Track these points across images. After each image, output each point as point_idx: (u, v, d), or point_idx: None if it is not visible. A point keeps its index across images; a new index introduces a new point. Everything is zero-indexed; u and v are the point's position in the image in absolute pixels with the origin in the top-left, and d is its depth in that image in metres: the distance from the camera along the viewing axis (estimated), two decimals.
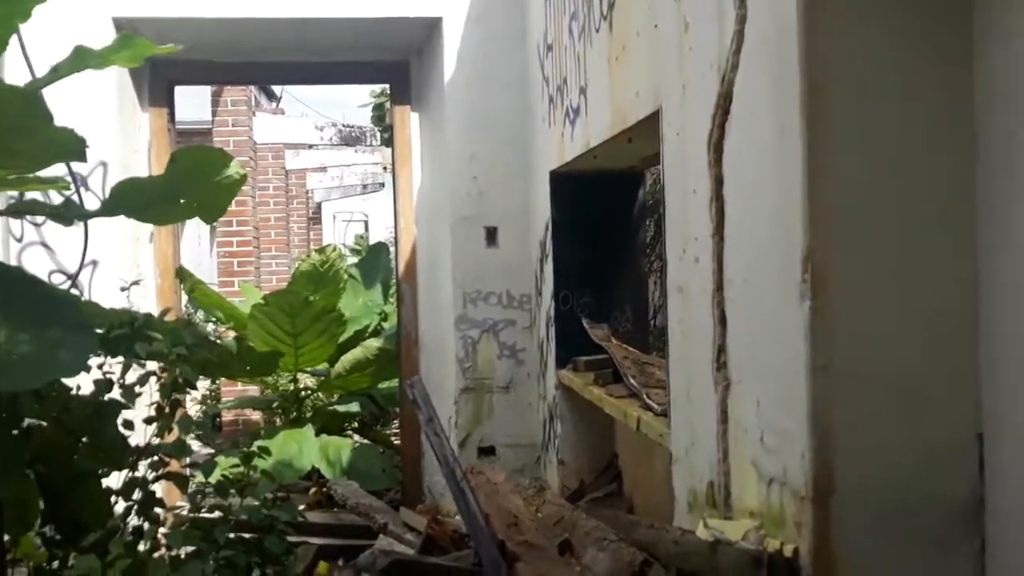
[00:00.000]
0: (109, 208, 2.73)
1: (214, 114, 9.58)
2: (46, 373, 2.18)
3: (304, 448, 5.74)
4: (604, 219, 4.48)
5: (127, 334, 2.72)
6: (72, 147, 2.34)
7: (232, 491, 3.43)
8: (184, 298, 6.10)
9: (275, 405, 6.93)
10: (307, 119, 12.62)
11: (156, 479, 2.96)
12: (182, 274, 5.24)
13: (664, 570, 2.40)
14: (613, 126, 3.30)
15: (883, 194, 1.83)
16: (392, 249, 6.38)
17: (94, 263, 4.64)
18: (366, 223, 17.25)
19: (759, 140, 2.03)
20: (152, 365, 3.15)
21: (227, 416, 7.93)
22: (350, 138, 11.74)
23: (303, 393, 6.71)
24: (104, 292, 4.39)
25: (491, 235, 4.95)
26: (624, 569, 2.63)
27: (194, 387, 3.20)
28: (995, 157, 1.79)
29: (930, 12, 1.83)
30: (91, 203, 4.49)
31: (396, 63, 5.51)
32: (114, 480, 2.84)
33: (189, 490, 3.24)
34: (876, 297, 1.83)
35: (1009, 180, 1.75)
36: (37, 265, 4.49)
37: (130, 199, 2.81)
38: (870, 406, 1.83)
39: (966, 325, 1.84)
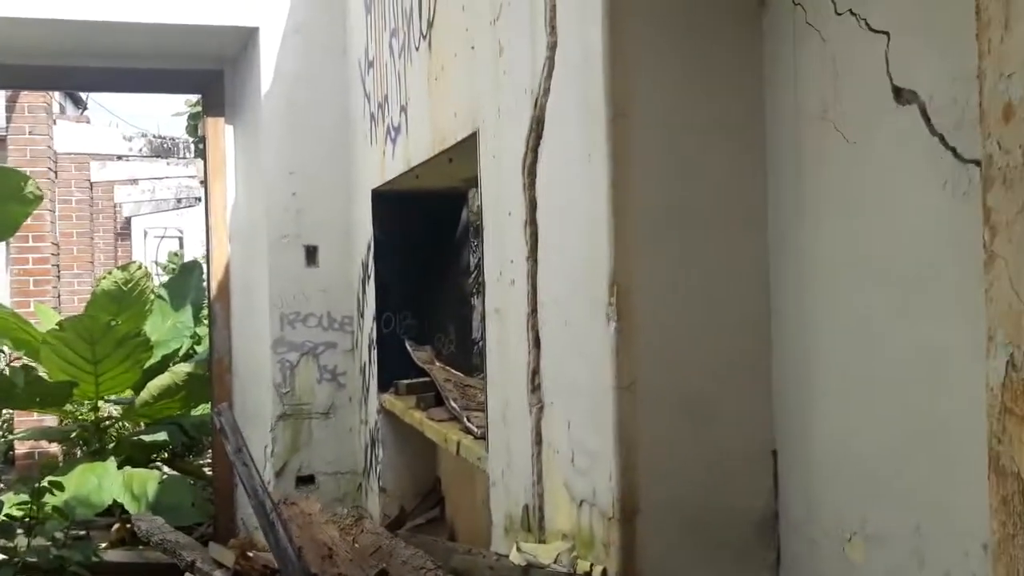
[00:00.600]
0: None
1: (8, 120, 8.82)
2: None
3: (104, 482, 5.32)
4: (427, 239, 4.44)
5: None
6: None
7: (19, 531, 3.14)
8: None
9: (74, 436, 6.40)
10: (115, 129, 11.85)
11: None
12: None
13: None
14: (433, 146, 3.28)
15: (684, 218, 1.90)
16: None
17: None
18: (181, 239, 16.37)
19: (569, 164, 2.06)
20: None
21: (21, 448, 7.25)
22: (162, 150, 11.09)
23: (105, 423, 6.23)
24: None
25: (311, 254, 4.79)
26: None
27: None
28: (783, 178, 1.89)
29: (723, 40, 1.92)
30: None
31: (209, 72, 5.25)
32: None
33: None
34: (678, 319, 1.89)
35: (797, 202, 1.85)
36: None
37: None
38: (672, 425, 1.88)
39: (761, 347, 1.93)
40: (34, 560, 3.09)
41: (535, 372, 2.30)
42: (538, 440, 2.29)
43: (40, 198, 2.69)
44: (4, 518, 3.18)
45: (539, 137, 2.24)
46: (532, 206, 2.30)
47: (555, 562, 2.05)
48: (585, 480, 2.00)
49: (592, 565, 1.92)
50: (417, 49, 3.40)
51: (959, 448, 1.41)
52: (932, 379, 1.50)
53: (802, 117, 1.80)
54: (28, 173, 8.44)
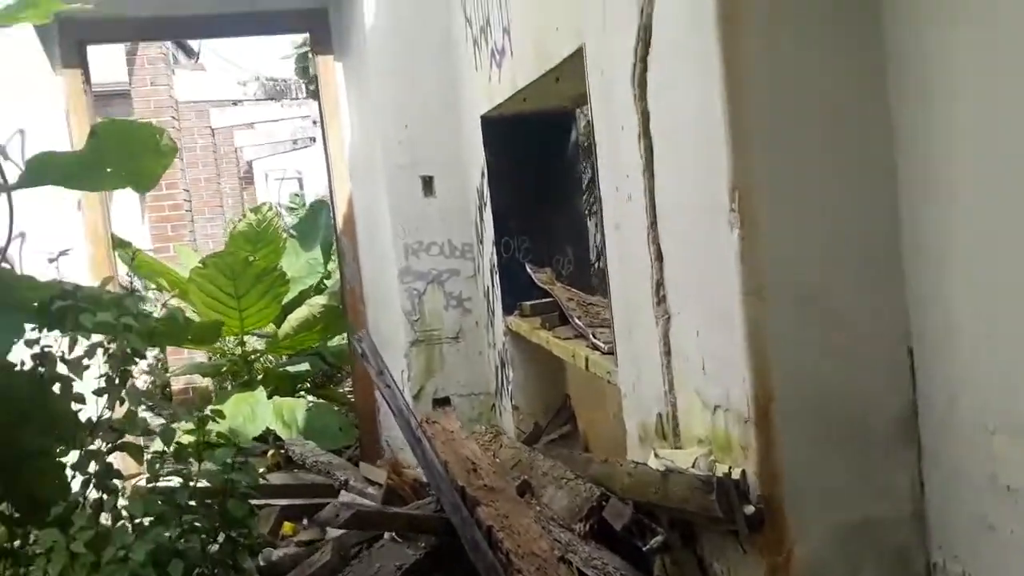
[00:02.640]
0: (27, 181, 2.65)
1: (131, 74, 9.25)
2: None
3: (257, 411, 5.71)
4: (539, 162, 4.46)
5: (71, 306, 2.66)
6: None
7: (190, 458, 3.42)
8: (120, 267, 5.96)
9: (224, 369, 6.86)
10: (229, 74, 12.26)
11: (111, 451, 2.93)
12: (120, 243, 5.11)
13: (620, 502, 2.47)
14: (539, 66, 3.27)
15: (803, 117, 1.85)
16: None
17: (22, 235, 4.49)
18: (300, 180, 16.91)
19: (681, 72, 2.03)
20: (97, 337, 3.09)
21: (176, 384, 7.84)
22: (275, 92, 11.43)
23: (251, 356, 6.64)
24: (35, 265, 4.27)
25: (427, 184, 4.90)
26: (582, 504, 2.70)
27: (143, 357, 3.16)
28: (907, 76, 1.82)
29: None
30: (12, 173, 4.35)
31: (315, 10, 5.36)
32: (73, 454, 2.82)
33: (146, 459, 3.22)
34: (802, 220, 1.87)
35: (924, 98, 1.78)
36: None
37: (50, 172, 2.73)
38: (802, 327, 1.88)
39: (891, 243, 1.89)
40: (206, 484, 3.37)
41: (659, 284, 2.32)
42: (667, 351, 2.33)
43: (175, 149, 2.84)
44: (177, 445, 3.47)
45: (647, 46, 2.21)
46: (645, 118, 2.29)
47: (693, 467, 2.11)
48: (718, 386, 2.03)
49: (731, 467, 1.96)
50: None
51: None
52: None
53: (923, 7, 1.72)
54: (154, 123, 8.93)
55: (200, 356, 7.61)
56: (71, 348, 2.96)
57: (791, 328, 1.88)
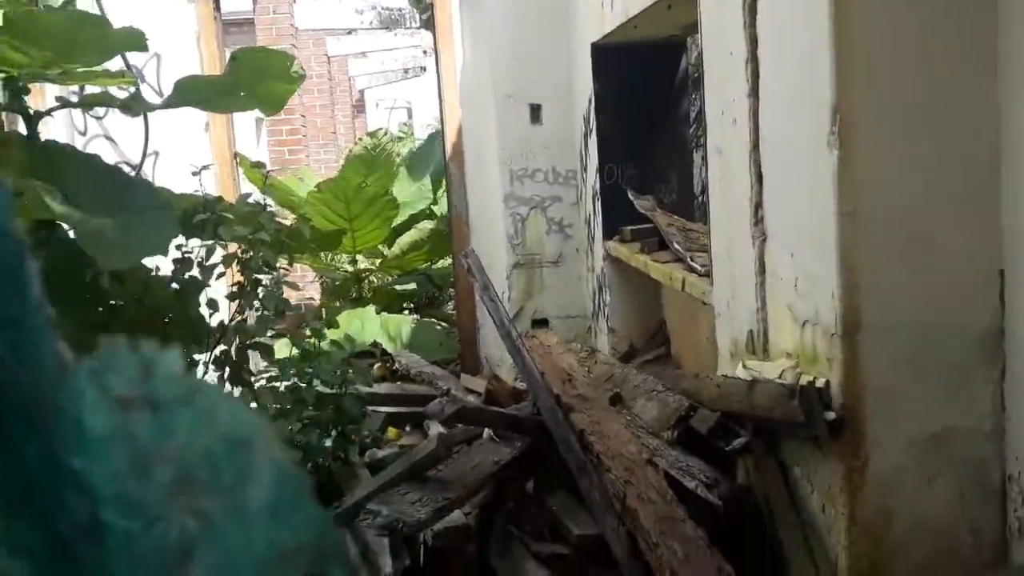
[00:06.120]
0: (174, 101, 2.91)
1: (255, 2, 9.59)
2: (137, 253, 2.42)
3: (366, 324, 6.04)
4: (647, 91, 4.51)
5: (211, 218, 2.94)
6: (133, 40, 2.51)
7: (311, 360, 3.73)
8: (242, 183, 6.33)
9: (338, 284, 7.22)
10: (346, 3, 12.48)
11: (245, 350, 3.24)
12: (254, 164, 5.43)
13: (709, 411, 2.61)
14: None
15: (906, 47, 1.91)
16: None
17: (156, 153, 4.85)
18: (409, 110, 17.18)
19: (790, 1, 2.09)
20: (231, 247, 3.39)
21: (291, 299, 8.29)
22: (389, 21, 11.63)
23: (363, 275, 6.98)
24: (167, 181, 4.62)
25: (535, 112, 5.02)
26: (671, 414, 2.85)
27: (274, 268, 3.45)
28: (1017, 11, 1.84)
29: None
30: (148, 95, 4.70)
31: None
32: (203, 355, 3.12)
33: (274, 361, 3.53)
34: (901, 145, 1.93)
35: None
36: (103, 157, 4.73)
37: (192, 94, 2.98)
38: (894, 248, 1.96)
39: (989, 171, 1.94)
40: (321, 386, 3.66)
41: (758, 206, 2.41)
42: (761, 270, 2.43)
43: (303, 77, 3.05)
44: (298, 351, 3.79)
45: None
46: (753, 43, 2.35)
47: (779, 378, 2.23)
48: (808, 302, 2.14)
49: (815, 378, 2.08)
50: None
51: None
52: None
53: None
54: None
55: (312, 275, 8.01)
56: (208, 256, 3.27)
57: (882, 249, 1.97)
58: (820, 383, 2.05)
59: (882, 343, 1.97)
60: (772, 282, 2.37)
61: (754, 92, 2.36)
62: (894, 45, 1.91)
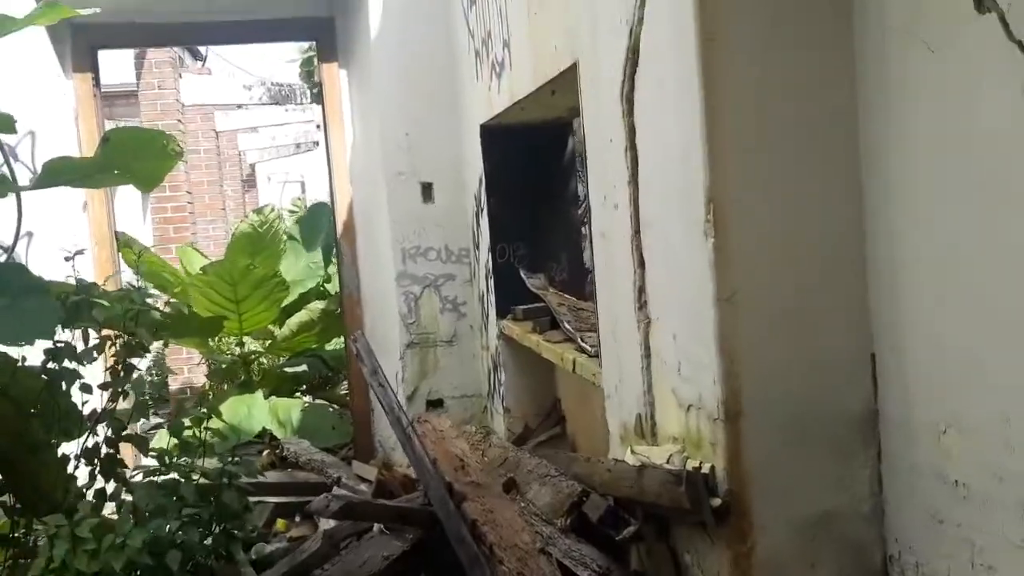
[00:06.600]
0: (43, 182, 2.77)
1: (139, 76, 9.40)
2: (22, 335, 2.27)
3: (254, 410, 5.82)
4: (536, 170, 4.58)
5: (83, 301, 2.78)
6: (1, 122, 2.38)
7: (191, 453, 3.53)
8: (123, 266, 6.08)
9: (224, 369, 6.96)
10: (235, 78, 12.40)
11: (117, 442, 3.04)
12: (127, 242, 5.22)
13: (600, 497, 2.58)
14: (536, 79, 3.40)
15: (775, 135, 1.98)
16: None
17: (29, 235, 4.61)
18: (303, 184, 17.05)
19: (664, 90, 2.16)
20: (103, 332, 3.21)
21: (174, 384, 7.95)
22: (280, 96, 11.60)
23: (250, 357, 6.76)
24: (42, 263, 4.38)
25: (427, 190, 5.02)
26: (564, 500, 2.80)
27: (148, 350, 3.27)
28: (872, 95, 1.94)
29: None
30: (22, 173, 4.48)
31: (322, 19, 5.48)
32: (71, 445, 2.92)
33: (150, 453, 3.33)
34: (773, 233, 1.99)
35: (885, 116, 1.90)
36: None
37: (63, 175, 2.85)
38: (771, 332, 2.00)
39: (855, 257, 2.02)
40: (202, 478, 3.48)
41: (641, 290, 2.44)
42: (647, 353, 2.45)
43: (181, 154, 2.97)
44: (172, 443, 3.59)
45: (635, 65, 2.34)
46: (631, 132, 2.41)
47: (667, 462, 2.22)
48: (691, 386, 2.15)
49: (701, 463, 2.08)
50: None
51: None
52: (1018, 278, 1.57)
53: (889, 29, 1.84)
54: (159, 126, 9.06)
55: (198, 357, 7.72)
56: (85, 340, 3.09)
57: (760, 334, 2.00)
58: (706, 468, 2.05)
59: (763, 427, 1.99)
60: (657, 365, 2.38)
61: (634, 179, 2.40)
62: (765, 135, 1.98)
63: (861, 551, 2.01)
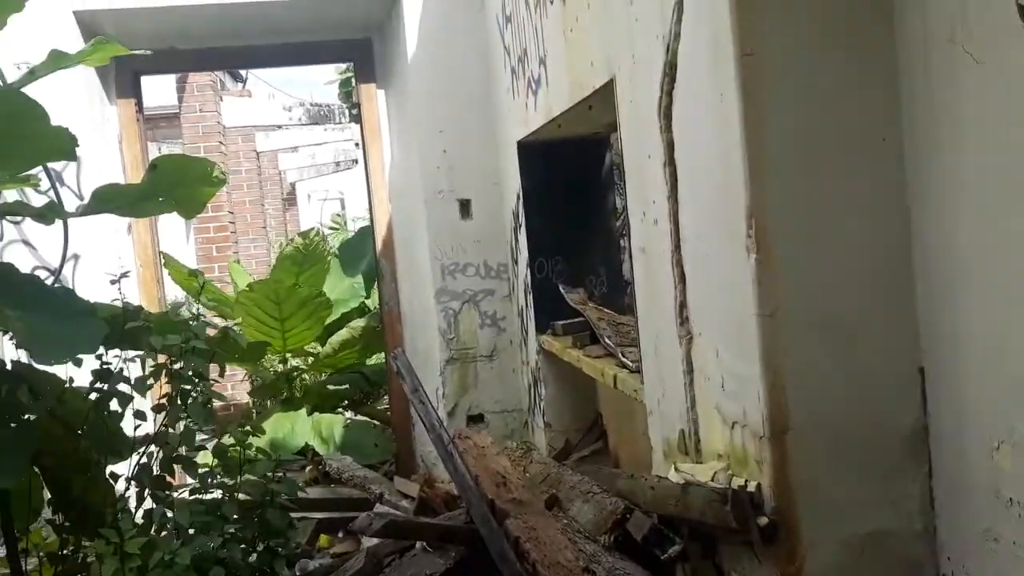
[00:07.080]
0: (91, 209, 2.84)
1: (180, 100, 9.58)
2: (68, 351, 2.33)
3: (297, 427, 5.87)
4: (574, 185, 4.58)
5: (143, 328, 2.84)
6: (63, 146, 2.45)
7: (234, 471, 3.57)
8: (168, 287, 6.18)
9: (268, 386, 7.03)
10: (274, 100, 12.58)
11: (167, 464, 3.09)
12: (191, 272, 5.31)
13: (644, 515, 2.56)
14: (572, 95, 3.41)
15: (816, 148, 1.96)
16: None
17: (75, 257, 4.72)
18: (342, 201, 17.23)
19: (702, 105, 2.15)
20: (160, 358, 3.27)
21: (218, 402, 8.04)
22: (319, 116, 11.74)
23: (293, 374, 6.82)
24: (87, 285, 4.48)
25: (464, 207, 5.05)
26: (607, 517, 2.78)
27: (205, 379, 3.32)
28: (917, 106, 1.91)
29: None
30: (68, 199, 4.59)
31: (359, 41, 5.56)
32: (120, 466, 2.97)
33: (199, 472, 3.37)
34: (816, 247, 1.97)
35: (931, 127, 1.87)
36: (20, 262, 4.56)
37: (110, 201, 2.92)
38: (816, 347, 1.97)
39: (902, 268, 1.98)
40: (247, 496, 3.51)
41: (682, 305, 2.42)
42: (689, 369, 2.43)
43: (224, 181, 3.02)
44: (216, 461, 3.63)
45: (673, 81, 2.33)
46: (670, 148, 2.40)
47: (712, 480, 2.20)
48: (735, 403, 2.13)
49: (747, 480, 2.05)
50: (551, 3, 3.51)
51: None
52: None
53: (931, 41, 1.82)
54: (201, 148, 9.22)
55: (241, 374, 7.81)
56: (143, 367, 3.15)
57: (805, 349, 1.98)
58: (752, 486, 2.02)
59: (810, 444, 1.96)
60: (700, 381, 2.36)
61: (673, 194, 2.39)
62: (805, 148, 1.96)
63: (913, 570, 1.97)
